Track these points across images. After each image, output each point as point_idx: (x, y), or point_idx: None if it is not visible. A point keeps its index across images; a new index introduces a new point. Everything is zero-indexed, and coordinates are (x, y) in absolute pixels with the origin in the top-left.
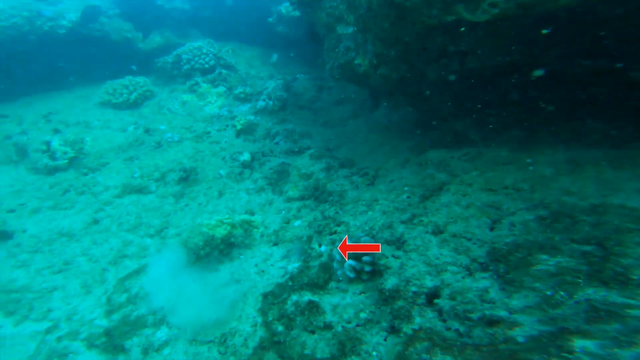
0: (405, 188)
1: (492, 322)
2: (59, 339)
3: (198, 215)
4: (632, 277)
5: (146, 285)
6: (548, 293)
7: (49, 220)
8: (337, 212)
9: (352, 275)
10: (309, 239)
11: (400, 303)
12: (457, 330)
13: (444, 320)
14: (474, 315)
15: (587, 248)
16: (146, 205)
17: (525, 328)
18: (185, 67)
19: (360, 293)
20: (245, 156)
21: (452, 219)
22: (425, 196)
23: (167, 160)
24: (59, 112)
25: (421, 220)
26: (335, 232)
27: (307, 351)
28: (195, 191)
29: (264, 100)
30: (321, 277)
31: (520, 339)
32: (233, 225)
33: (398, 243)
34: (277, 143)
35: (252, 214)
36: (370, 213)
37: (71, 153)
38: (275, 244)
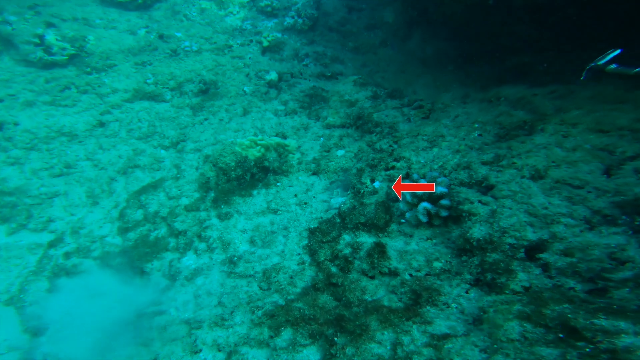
0: (476, 125)
1: None
2: (67, 255)
3: (221, 132)
4: None
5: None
6: None
7: (45, 116)
8: (391, 146)
9: (424, 219)
10: (360, 172)
11: (495, 256)
12: (580, 289)
13: (551, 277)
14: (614, 276)
15: None
16: (160, 114)
17: None
18: None
19: (427, 239)
20: (272, 75)
21: (553, 162)
22: (500, 135)
23: (184, 70)
24: (47, 4)
25: (513, 163)
26: (393, 168)
27: (367, 297)
28: (216, 106)
29: (293, 17)
30: (382, 218)
31: None
32: (267, 148)
33: (480, 187)
34: (306, 65)
35: (285, 137)
36: (435, 150)
37: (71, 50)
38: (315, 174)
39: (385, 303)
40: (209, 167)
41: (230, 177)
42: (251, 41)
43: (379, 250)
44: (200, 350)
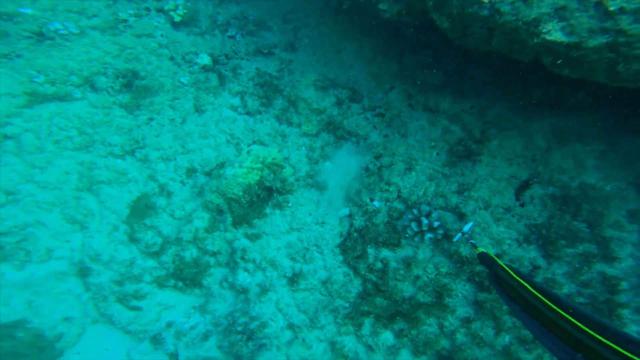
0: (432, 144)
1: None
2: (118, 282)
3: (183, 137)
4: None
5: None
6: (576, 265)
7: None
8: (375, 164)
9: (428, 242)
10: (358, 192)
11: (478, 267)
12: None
13: None
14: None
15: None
16: (84, 118)
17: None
18: None
19: (426, 247)
20: (205, 59)
21: (492, 192)
22: (447, 150)
23: (79, 60)
24: None
25: (471, 195)
26: (387, 190)
27: (406, 294)
28: (157, 102)
29: None
30: (395, 238)
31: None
32: (262, 169)
33: (455, 212)
34: (233, 37)
35: (261, 143)
36: (414, 174)
37: None
38: (313, 187)
39: (421, 299)
40: (215, 195)
41: (242, 204)
42: (148, 9)
43: (407, 264)
44: (311, 347)
